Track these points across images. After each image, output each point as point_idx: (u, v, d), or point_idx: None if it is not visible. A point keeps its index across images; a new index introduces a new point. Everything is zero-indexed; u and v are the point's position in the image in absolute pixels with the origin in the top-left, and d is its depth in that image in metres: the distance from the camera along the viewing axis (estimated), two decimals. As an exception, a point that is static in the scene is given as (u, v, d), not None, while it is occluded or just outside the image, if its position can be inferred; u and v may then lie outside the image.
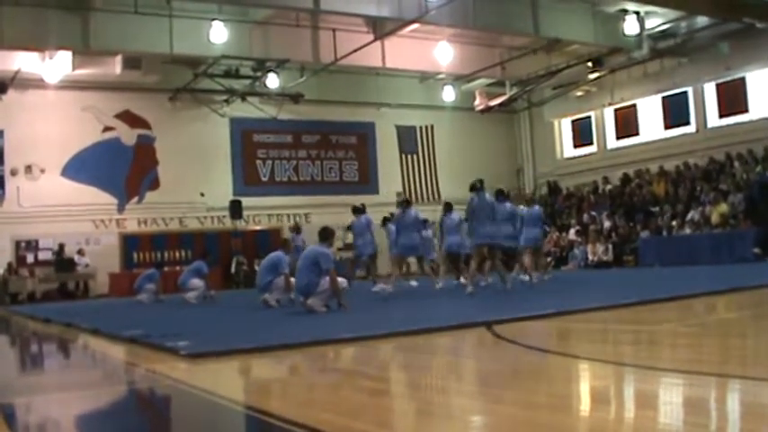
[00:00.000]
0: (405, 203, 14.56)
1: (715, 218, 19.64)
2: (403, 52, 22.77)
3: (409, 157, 28.39)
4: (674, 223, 20.86)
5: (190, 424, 4.17)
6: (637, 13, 21.25)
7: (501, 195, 14.09)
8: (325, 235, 10.37)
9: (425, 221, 15.89)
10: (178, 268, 23.18)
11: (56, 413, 4.56)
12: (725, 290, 9.73)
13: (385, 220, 17.17)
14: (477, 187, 12.44)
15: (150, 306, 15.32)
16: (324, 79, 24.37)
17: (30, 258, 22.46)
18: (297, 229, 17.55)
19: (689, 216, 20.48)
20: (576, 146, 28.75)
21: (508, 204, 14.35)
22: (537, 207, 15.70)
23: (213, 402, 4.47)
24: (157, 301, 16.29)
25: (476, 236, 12.43)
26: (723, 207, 19.61)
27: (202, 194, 24.49)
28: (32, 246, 22.55)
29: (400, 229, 14.00)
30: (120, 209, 23.73)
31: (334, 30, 21.05)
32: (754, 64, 21.95)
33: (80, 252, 22.56)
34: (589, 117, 27.85)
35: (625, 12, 21.27)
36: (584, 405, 3.96)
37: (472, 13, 19.76)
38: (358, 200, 23.54)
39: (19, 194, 22.29)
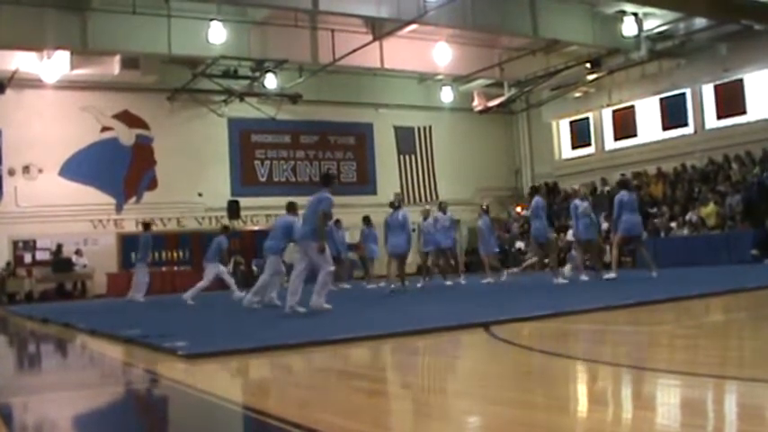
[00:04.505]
0: (393, 206, 15.43)
1: (705, 218, 19.74)
2: (401, 53, 22.79)
3: (407, 157, 28.39)
4: (672, 224, 20.87)
5: (187, 424, 4.16)
6: (635, 14, 21.29)
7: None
8: (327, 180, 10.54)
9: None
10: (176, 268, 23.25)
11: (53, 413, 4.55)
12: (723, 291, 9.73)
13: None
14: (394, 206, 15.33)
15: (149, 306, 15.28)
16: (322, 80, 24.38)
17: (27, 258, 22.45)
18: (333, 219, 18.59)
19: (687, 217, 20.50)
20: (574, 147, 28.78)
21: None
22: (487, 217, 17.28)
23: (211, 402, 4.47)
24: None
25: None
26: (710, 208, 19.67)
27: (200, 194, 24.49)
28: (30, 246, 22.54)
29: (390, 230, 15.05)
30: (118, 209, 23.73)
31: (332, 30, 21.06)
32: (752, 65, 21.98)
33: (78, 252, 22.55)
34: (587, 118, 27.88)
35: (623, 13, 21.31)
36: (582, 406, 3.97)
37: (471, 13, 19.77)
38: (356, 200, 23.59)
39: (17, 194, 22.29)
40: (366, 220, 18.74)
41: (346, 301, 12.74)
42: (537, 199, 14.41)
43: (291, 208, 12.16)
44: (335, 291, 15.15)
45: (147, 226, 17.24)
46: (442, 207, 17.24)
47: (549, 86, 26.39)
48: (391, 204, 15.85)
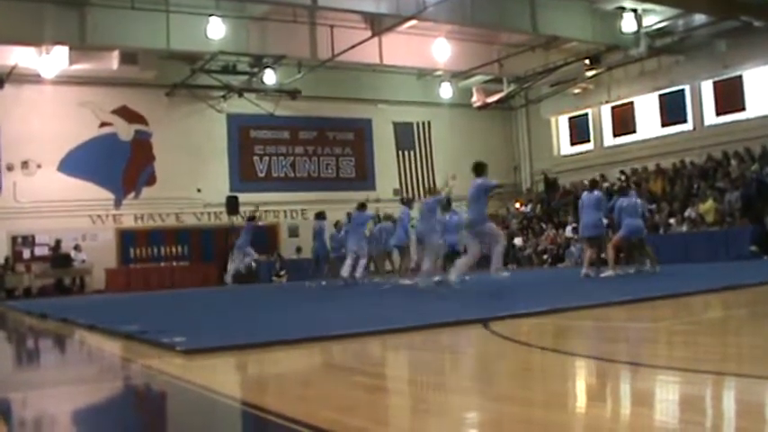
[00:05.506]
0: (403, 201, 16.62)
1: (703, 214, 19.74)
2: (400, 49, 22.79)
3: (406, 153, 28.40)
4: (671, 221, 20.87)
5: (185, 420, 4.16)
6: (634, 10, 21.28)
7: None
8: (481, 169, 11.83)
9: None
10: (174, 264, 23.25)
11: (51, 408, 4.55)
12: (721, 288, 9.73)
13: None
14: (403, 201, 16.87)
15: (146, 301, 15.27)
16: (321, 75, 24.37)
17: (26, 254, 22.46)
18: (321, 215, 18.92)
19: (685, 214, 20.51)
20: (572, 143, 28.79)
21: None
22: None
23: (209, 398, 4.46)
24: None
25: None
26: (708, 204, 19.68)
27: (199, 190, 24.49)
28: (29, 241, 22.55)
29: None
30: (117, 204, 23.73)
31: (331, 26, 21.05)
32: (751, 62, 21.98)
33: (77, 248, 22.56)
34: (586, 114, 27.88)
35: (623, 9, 21.30)
36: (580, 402, 3.96)
37: (470, 9, 19.77)
38: (355, 196, 23.57)
39: (15, 190, 22.28)
40: (349, 216, 18.09)
41: (343, 298, 12.75)
42: (597, 193, 14.35)
43: (431, 191, 14.35)
44: (333, 289, 15.18)
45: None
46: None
47: (548, 83, 26.40)
48: (401, 200, 17.48)
